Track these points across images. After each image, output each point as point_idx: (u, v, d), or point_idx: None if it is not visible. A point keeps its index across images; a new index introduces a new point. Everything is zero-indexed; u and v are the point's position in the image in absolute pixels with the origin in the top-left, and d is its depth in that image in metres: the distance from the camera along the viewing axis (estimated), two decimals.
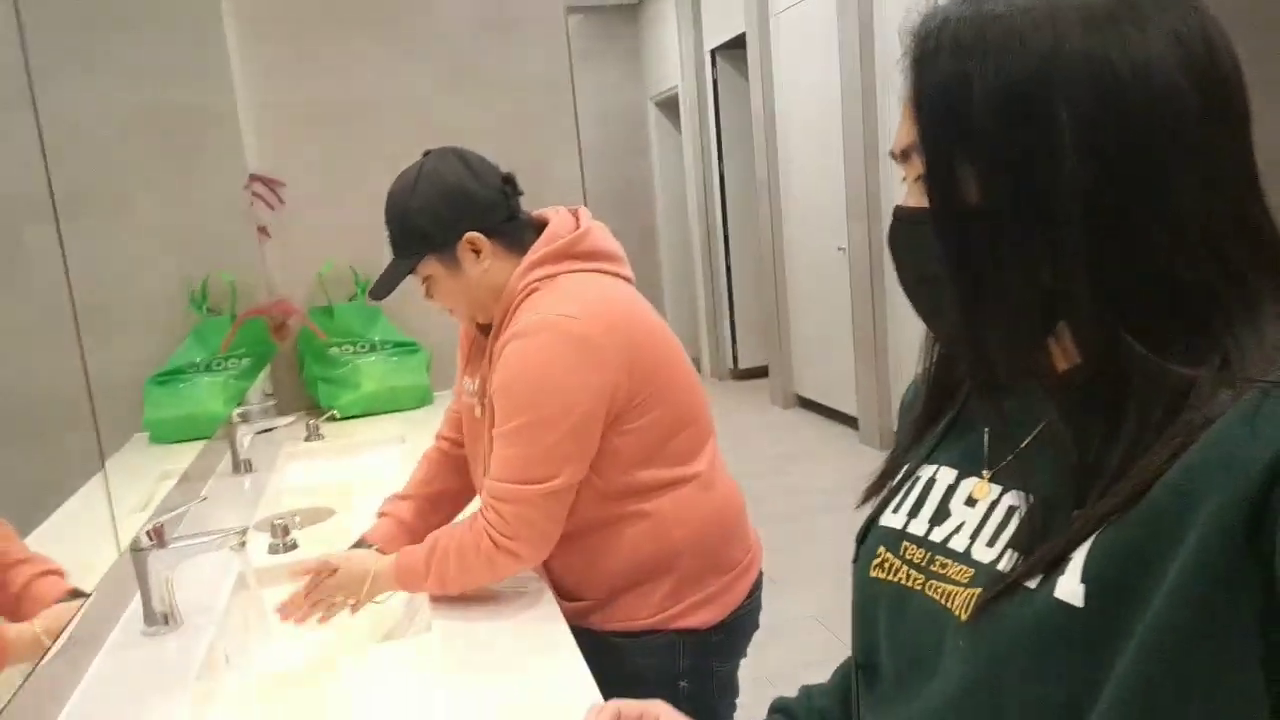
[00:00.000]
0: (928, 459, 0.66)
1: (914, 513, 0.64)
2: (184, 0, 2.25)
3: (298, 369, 2.55)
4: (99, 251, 1.87)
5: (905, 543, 0.63)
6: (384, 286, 1.31)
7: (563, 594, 1.32)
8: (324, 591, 1.24)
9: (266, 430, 2.18)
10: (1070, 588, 0.49)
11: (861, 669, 0.67)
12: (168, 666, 1.13)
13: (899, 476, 0.67)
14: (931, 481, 0.64)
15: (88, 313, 1.77)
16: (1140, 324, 0.51)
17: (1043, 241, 0.51)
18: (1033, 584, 0.51)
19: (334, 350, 2.47)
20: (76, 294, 1.73)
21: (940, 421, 0.66)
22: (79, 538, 1.25)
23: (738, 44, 5.71)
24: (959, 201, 0.54)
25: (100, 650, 1.18)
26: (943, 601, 0.57)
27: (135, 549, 1.17)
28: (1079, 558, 0.49)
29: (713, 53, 6.14)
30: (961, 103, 0.52)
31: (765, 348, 5.96)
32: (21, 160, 1.50)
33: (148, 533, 1.17)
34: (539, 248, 1.28)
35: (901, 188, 0.61)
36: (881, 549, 0.64)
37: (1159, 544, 0.47)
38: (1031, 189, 0.51)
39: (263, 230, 2.47)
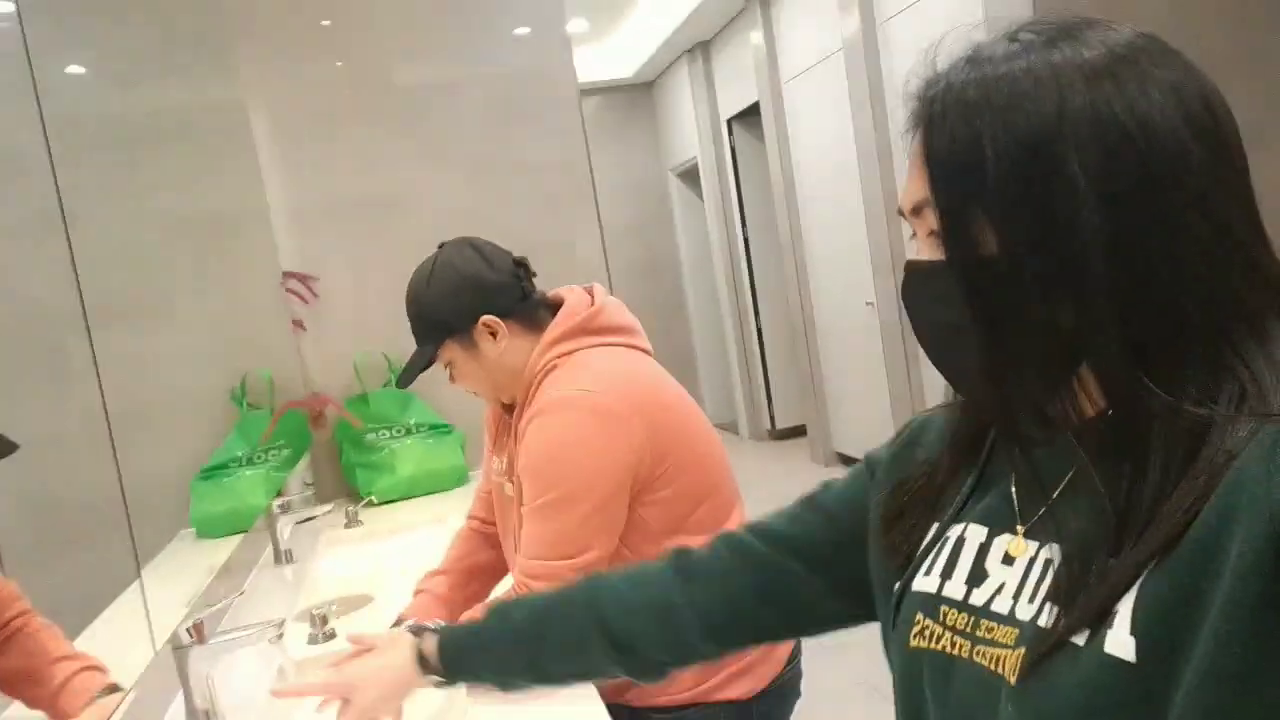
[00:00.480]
0: (955, 519, 0.65)
1: (947, 574, 0.63)
2: (212, 111, 2.38)
3: (337, 457, 2.60)
4: (142, 355, 1.95)
5: (944, 607, 0.62)
6: (409, 374, 1.36)
7: None
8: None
9: (306, 520, 2.22)
10: (1121, 642, 0.49)
11: None
12: None
13: (928, 538, 0.66)
14: (961, 541, 0.64)
15: (132, 415, 1.83)
16: (1157, 365, 0.52)
17: (1063, 285, 0.53)
18: (1080, 640, 0.51)
19: (370, 436, 2.51)
20: (120, 398, 1.79)
21: (964, 480, 0.66)
22: (125, 635, 1.28)
23: (752, 112, 5.83)
24: (976, 252, 0.55)
25: None
26: (991, 666, 0.56)
27: (176, 646, 1.19)
28: (1125, 610, 0.49)
29: (729, 122, 6.27)
30: (974, 160, 0.54)
31: (801, 406, 5.93)
32: (61, 273, 1.58)
33: (188, 629, 1.19)
34: (556, 326, 1.32)
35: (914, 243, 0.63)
36: (920, 616, 0.63)
37: (1200, 589, 0.47)
38: (1051, 237, 0.53)
39: (298, 324, 2.55)
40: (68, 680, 1.12)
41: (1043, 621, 0.54)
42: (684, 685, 1.28)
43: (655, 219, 7.39)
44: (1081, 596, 0.52)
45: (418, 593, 1.47)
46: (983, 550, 0.61)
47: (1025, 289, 0.54)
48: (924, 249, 0.60)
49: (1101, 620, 0.50)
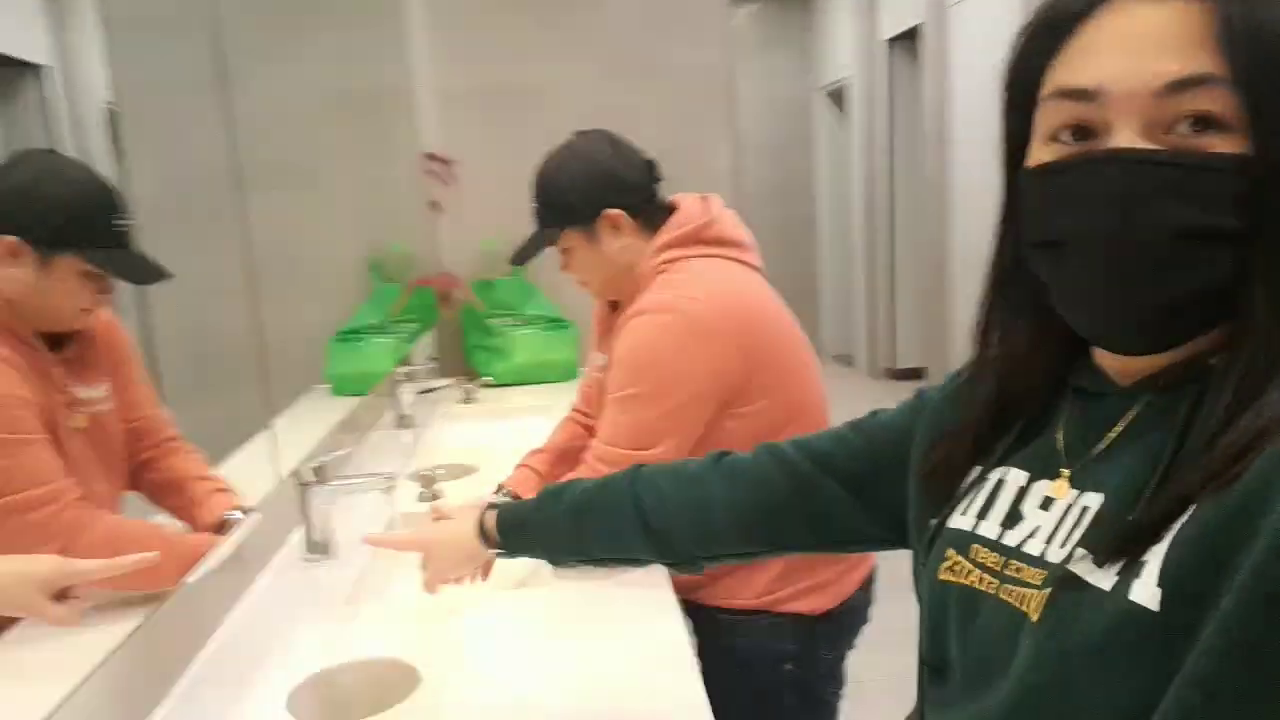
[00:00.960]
0: (999, 463, 0.64)
1: (983, 515, 0.63)
2: None
3: (460, 336, 2.73)
4: (293, 219, 2.08)
5: (976, 545, 0.62)
6: (524, 254, 1.40)
7: None
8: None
9: (428, 390, 2.36)
10: (1146, 591, 0.48)
11: (929, 667, 0.67)
12: (321, 590, 1.26)
13: (969, 480, 0.66)
14: (1001, 484, 0.63)
15: (279, 273, 1.97)
16: None
17: None
18: (1106, 585, 0.51)
19: (492, 321, 2.62)
20: (270, 256, 1.92)
21: (1010, 430, 0.65)
22: (257, 470, 1.41)
23: (913, 35, 5.53)
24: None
25: (267, 569, 1.33)
26: (1017, 604, 0.57)
27: (301, 483, 1.31)
28: (1155, 561, 0.49)
29: (887, 42, 5.97)
30: None
31: (925, 348, 5.78)
32: (223, 133, 1.69)
33: (312, 469, 1.31)
34: (668, 230, 1.33)
35: None
36: (950, 551, 0.63)
37: (1233, 547, 0.46)
38: None
39: (435, 205, 2.65)
40: (204, 497, 1.26)
41: (1072, 565, 0.54)
42: (754, 591, 1.32)
43: (794, 139, 7.19)
44: (1114, 540, 0.51)
45: (519, 466, 1.55)
46: (1021, 494, 0.61)
47: None
48: (1144, 139, 0.51)
49: (1130, 568, 0.49)
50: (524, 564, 1.48)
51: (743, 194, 2.84)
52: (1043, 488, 0.60)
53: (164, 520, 1.22)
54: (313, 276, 2.20)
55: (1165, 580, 0.48)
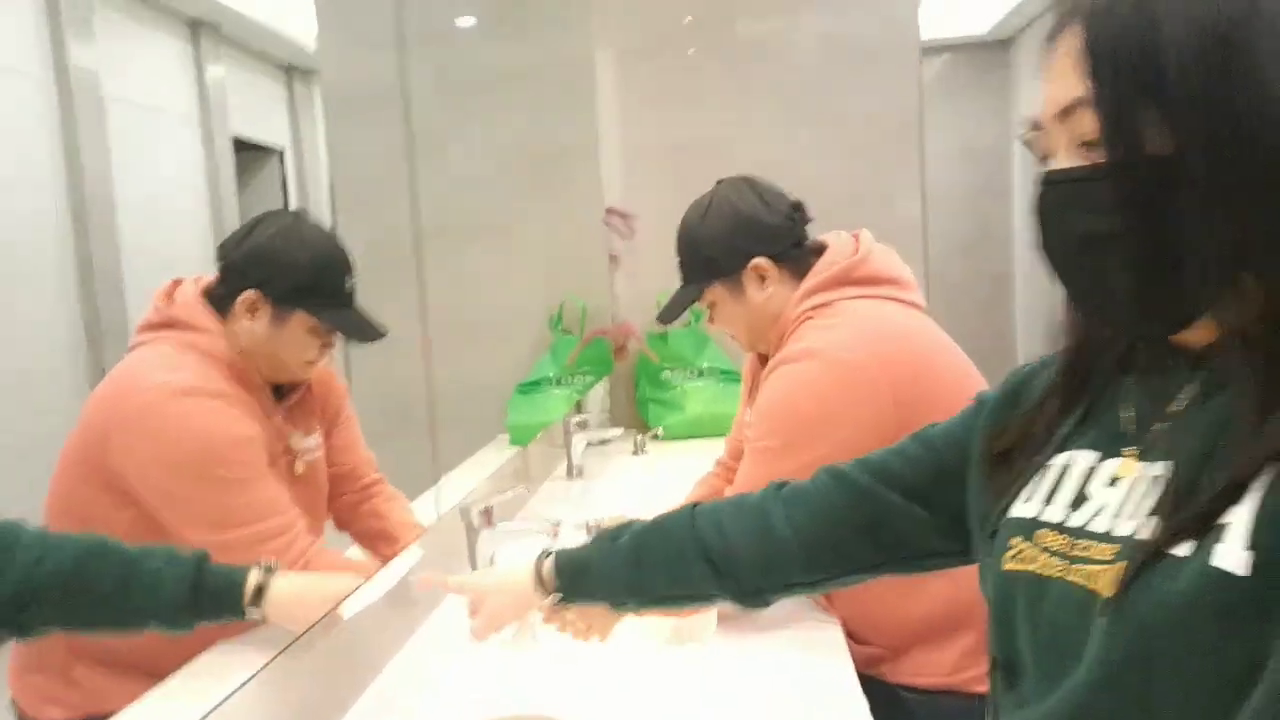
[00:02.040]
0: (1060, 449, 0.63)
1: (1048, 500, 0.61)
2: (562, 59, 2.55)
3: (633, 389, 2.74)
4: (481, 274, 2.18)
5: (1041, 530, 0.60)
6: (671, 311, 1.37)
7: (853, 635, 1.27)
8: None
9: (601, 442, 2.37)
10: (1233, 555, 0.46)
11: (1000, 667, 0.64)
12: None
13: (1030, 469, 0.64)
14: (1066, 468, 0.62)
15: (468, 327, 2.06)
16: None
17: (1240, 189, 0.50)
18: (1184, 551, 0.49)
19: (665, 374, 2.62)
20: (457, 310, 2.02)
21: (1070, 416, 0.64)
22: (427, 515, 1.45)
23: None
24: (1143, 153, 0.52)
25: (436, 610, 1.35)
26: (1086, 584, 0.54)
27: (469, 528, 1.33)
28: (1241, 523, 0.47)
29: None
30: (1148, 49, 0.51)
31: None
32: (420, 194, 1.79)
33: (480, 512, 1.32)
34: (815, 274, 1.26)
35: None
36: (1016, 540, 0.61)
37: None
38: (1232, 134, 0.50)
39: (614, 259, 2.70)
40: (406, 539, 1.32)
41: (1143, 535, 0.52)
42: (943, 667, 1.20)
43: (989, 190, 6.85)
44: (1188, 505, 0.50)
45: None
46: (1088, 475, 0.60)
47: (1196, 192, 0.50)
48: (1070, 157, 0.56)
49: (1208, 532, 0.48)
50: (684, 621, 1.43)
51: (933, 245, 2.71)
52: (1110, 466, 0.59)
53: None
54: (497, 328, 2.29)
55: (1258, 542, 0.46)
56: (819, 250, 1.31)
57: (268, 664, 0.92)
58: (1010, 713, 0.62)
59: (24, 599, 0.81)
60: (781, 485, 0.85)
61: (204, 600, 0.90)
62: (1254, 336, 0.51)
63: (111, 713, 0.83)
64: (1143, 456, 0.58)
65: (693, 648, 1.22)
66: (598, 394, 2.65)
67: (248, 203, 1.36)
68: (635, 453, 2.42)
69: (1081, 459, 0.61)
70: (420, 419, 1.76)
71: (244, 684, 0.89)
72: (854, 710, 1.04)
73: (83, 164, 1.17)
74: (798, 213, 1.32)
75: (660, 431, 2.47)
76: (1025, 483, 0.64)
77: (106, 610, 0.86)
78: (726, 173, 1.37)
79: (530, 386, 2.41)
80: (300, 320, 1.10)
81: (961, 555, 0.75)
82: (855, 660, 1.18)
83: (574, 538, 1.65)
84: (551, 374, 2.46)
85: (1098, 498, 0.58)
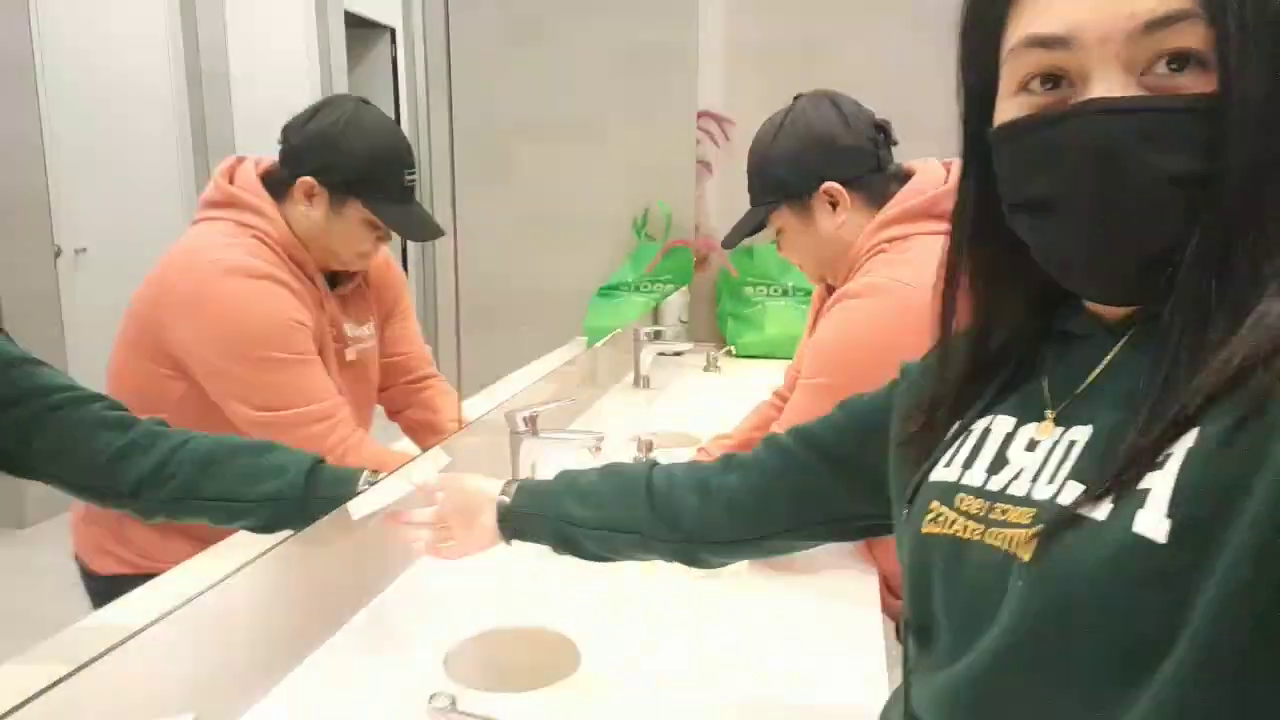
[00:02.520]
0: (981, 414, 0.62)
1: (968, 464, 0.60)
2: None
3: (715, 302, 2.68)
4: (570, 172, 2.13)
5: (960, 494, 0.59)
6: (735, 235, 1.29)
7: (892, 591, 1.22)
8: None
9: (674, 354, 2.34)
10: (1152, 522, 0.46)
11: (914, 631, 0.63)
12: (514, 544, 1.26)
13: (950, 433, 0.63)
14: (987, 432, 0.61)
15: (555, 226, 2.03)
16: None
17: None
18: (1102, 516, 0.48)
19: (748, 289, 2.55)
20: (549, 208, 1.99)
21: (991, 381, 0.63)
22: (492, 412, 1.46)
23: None
24: (1272, 84, 0.47)
25: None
26: (1005, 547, 0.53)
27: (513, 432, 1.33)
28: (1161, 491, 0.46)
29: None
30: None
31: None
32: (515, 87, 1.74)
33: (524, 418, 1.32)
34: (895, 204, 1.16)
35: None
36: (935, 504, 0.60)
37: (1246, 475, 0.43)
38: None
39: (705, 166, 2.60)
40: (437, 392, 1.35)
41: (1063, 499, 0.51)
42: None
43: None
44: (1110, 467, 0.49)
45: (699, 450, 1.47)
46: (1008, 440, 0.59)
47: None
48: (1120, 85, 0.50)
49: (1129, 497, 0.47)
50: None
51: None
52: (1029, 431, 0.58)
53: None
54: (582, 230, 2.26)
55: (1175, 511, 0.45)
56: (904, 177, 1.20)
57: (284, 540, 0.94)
58: (923, 675, 0.61)
59: (164, 473, 0.86)
60: (728, 455, 0.88)
61: (322, 487, 0.96)
62: (1175, 306, 0.50)
63: (159, 570, 0.86)
64: (1061, 421, 0.57)
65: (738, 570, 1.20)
66: (676, 305, 2.61)
67: (358, 79, 1.35)
68: (707, 368, 2.38)
69: (1001, 424, 0.60)
70: (501, 315, 1.76)
71: (267, 550, 0.92)
72: (873, 657, 1.01)
73: (198, 34, 1.17)
74: (881, 134, 1.21)
75: (733, 349, 2.42)
76: (946, 448, 0.63)
77: (234, 485, 0.91)
78: (832, 82, 1.26)
79: (609, 290, 2.39)
80: (355, 211, 1.08)
81: (884, 522, 0.75)
82: (890, 613, 1.14)
83: (622, 452, 1.65)
84: (631, 279, 2.43)
85: (1016, 461, 0.57)
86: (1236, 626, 0.43)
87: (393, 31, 1.54)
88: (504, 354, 1.76)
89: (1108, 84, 0.50)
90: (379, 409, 1.34)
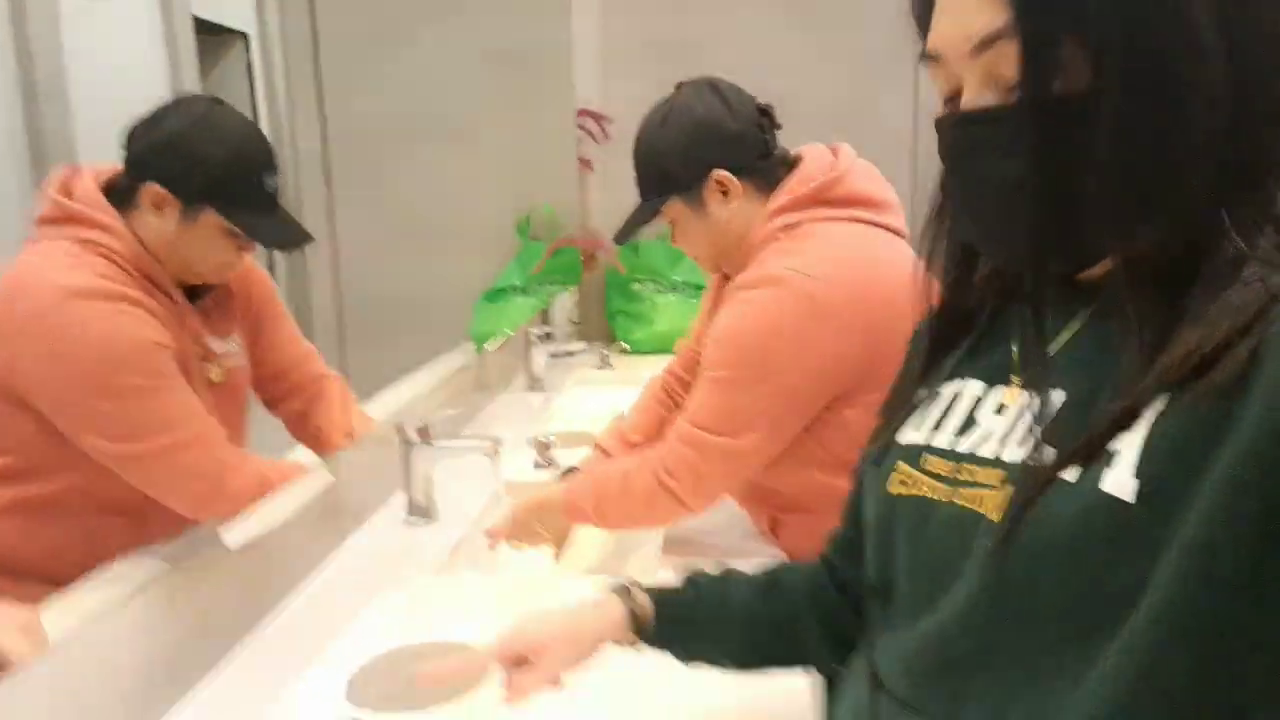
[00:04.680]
0: (950, 378, 0.63)
1: (938, 426, 0.61)
2: None
3: (604, 300, 2.66)
4: (448, 175, 2.07)
5: (928, 455, 0.60)
6: (626, 231, 1.27)
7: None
8: (521, 531, 1.23)
9: (565, 354, 2.32)
10: (1121, 482, 0.47)
11: (876, 591, 0.64)
12: (415, 555, 1.22)
13: (919, 398, 0.64)
14: (956, 396, 0.62)
15: (434, 230, 1.97)
16: (1229, 203, 0.49)
17: (1163, 120, 0.48)
18: (1072, 477, 0.49)
19: (636, 286, 2.54)
20: (429, 213, 1.92)
21: (959, 346, 0.64)
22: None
23: None
24: (1064, 88, 0.49)
25: (366, 527, 1.31)
26: (973, 506, 0.54)
27: (404, 442, 1.28)
28: (1130, 451, 0.47)
29: None
30: None
31: None
32: (386, 92, 1.68)
33: (416, 428, 1.27)
34: (785, 191, 1.16)
35: None
36: (901, 464, 0.61)
37: (1214, 435, 0.44)
38: (1153, 68, 0.48)
39: (585, 163, 2.59)
40: (324, 380, 1.27)
41: (1033, 461, 0.52)
42: None
43: None
44: (1083, 430, 0.49)
45: (595, 448, 1.45)
46: (978, 403, 0.60)
47: (1109, 132, 0.48)
48: (974, 96, 0.53)
49: (1099, 458, 0.48)
50: (626, 546, 1.40)
51: (923, 164, 2.60)
52: (997, 394, 0.59)
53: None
54: (463, 233, 2.20)
55: (1142, 470, 0.46)
56: (791, 164, 1.21)
57: (152, 581, 0.87)
58: (885, 635, 0.62)
59: None
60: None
61: None
62: (1146, 270, 0.50)
63: None
64: (1028, 384, 0.57)
65: (649, 565, 1.18)
66: (565, 306, 2.58)
67: (211, 86, 1.27)
68: (600, 366, 2.37)
69: (970, 387, 0.61)
70: (384, 324, 1.70)
71: (135, 592, 0.85)
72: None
73: (30, 46, 1.08)
74: (765, 118, 1.21)
75: (626, 346, 2.41)
76: (913, 410, 0.64)
77: None
78: (710, 74, 1.25)
79: (496, 294, 2.33)
80: (211, 220, 1.01)
81: None
82: None
83: (519, 455, 1.61)
84: (518, 281, 2.38)
85: (985, 424, 0.58)
86: (1198, 586, 0.44)
87: (246, 37, 1.46)
88: (390, 363, 1.69)
89: (969, 97, 0.53)
90: (277, 422, 1.26)
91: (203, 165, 1.00)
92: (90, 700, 0.79)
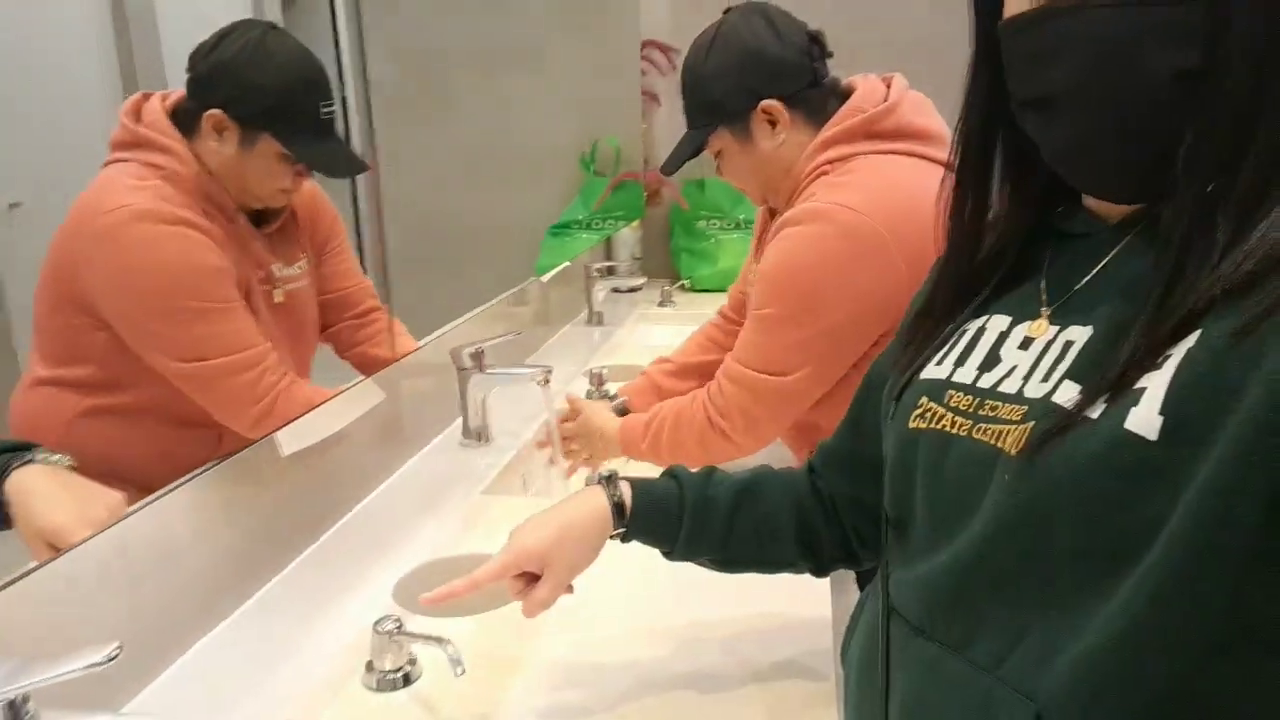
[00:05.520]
0: (975, 314, 0.62)
1: (961, 362, 0.60)
2: None
3: (669, 237, 2.65)
4: (515, 106, 2.07)
5: (950, 391, 0.59)
6: (673, 162, 1.24)
7: None
8: (564, 433, 1.27)
9: (629, 290, 2.32)
10: (1145, 419, 0.45)
11: (891, 523, 0.64)
12: (468, 475, 1.26)
13: (945, 333, 0.63)
14: (981, 331, 0.61)
15: (502, 161, 1.98)
16: None
17: None
18: (1096, 414, 0.48)
19: (701, 224, 2.52)
20: (495, 145, 1.93)
21: (988, 283, 0.63)
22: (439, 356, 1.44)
23: None
24: None
25: (425, 450, 1.35)
26: (992, 441, 0.53)
27: (459, 368, 1.31)
28: (1157, 388, 0.46)
29: None
30: None
31: None
32: (452, 19, 1.67)
33: (470, 354, 1.30)
34: (834, 124, 1.12)
35: None
36: (924, 399, 0.60)
37: (1242, 374, 0.43)
38: None
39: (652, 97, 2.55)
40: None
41: (1059, 398, 0.51)
42: None
43: None
44: (1110, 366, 0.48)
45: (642, 374, 1.46)
46: (1001, 338, 0.59)
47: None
48: None
49: (1125, 395, 0.47)
50: None
51: None
52: (1023, 329, 0.58)
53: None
54: (530, 166, 2.21)
55: (1168, 409, 0.45)
56: (843, 94, 1.17)
57: (207, 469, 0.93)
58: (900, 566, 0.62)
59: None
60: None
61: None
62: (1179, 205, 0.48)
63: None
64: (1056, 320, 0.56)
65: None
66: (629, 241, 2.57)
67: (295, 17, 1.29)
68: (662, 303, 2.37)
69: (995, 323, 0.60)
70: (450, 255, 1.72)
71: (188, 479, 0.90)
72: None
73: None
74: (816, 46, 1.16)
75: (687, 283, 2.40)
76: (938, 347, 0.63)
77: None
78: (784, 3, 1.20)
79: (560, 229, 2.35)
80: (268, 145, 1.04)
81: None
82: None
83: (574, 386, 1.64)
84: (581, 216, 2.39)
85: (1009, 359, 0.57)
86: (1216, 526, 0.43)
87: None
88: (457, 295, 1.72)
89: None
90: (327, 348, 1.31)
91: (259, 92, 1.03)
92: (165, 593, 0.85)
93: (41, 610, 0.72)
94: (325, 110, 1.07)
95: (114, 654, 0.56)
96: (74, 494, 0.82)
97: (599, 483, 0.80)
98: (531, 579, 0.75)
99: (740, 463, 0.95)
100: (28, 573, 0.70)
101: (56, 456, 0.81)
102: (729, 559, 0.80)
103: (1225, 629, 0.44)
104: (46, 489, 0.80)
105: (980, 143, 0.62)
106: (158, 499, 0.88)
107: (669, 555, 0.80)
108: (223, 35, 1.04)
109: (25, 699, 0.56)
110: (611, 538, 0.78)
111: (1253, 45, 0.46)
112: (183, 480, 0.92)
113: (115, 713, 0.76)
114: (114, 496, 0.85)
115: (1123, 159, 0.52)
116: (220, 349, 1.03)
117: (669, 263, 2.62)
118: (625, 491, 0.78)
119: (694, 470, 0.82)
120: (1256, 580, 0.43)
